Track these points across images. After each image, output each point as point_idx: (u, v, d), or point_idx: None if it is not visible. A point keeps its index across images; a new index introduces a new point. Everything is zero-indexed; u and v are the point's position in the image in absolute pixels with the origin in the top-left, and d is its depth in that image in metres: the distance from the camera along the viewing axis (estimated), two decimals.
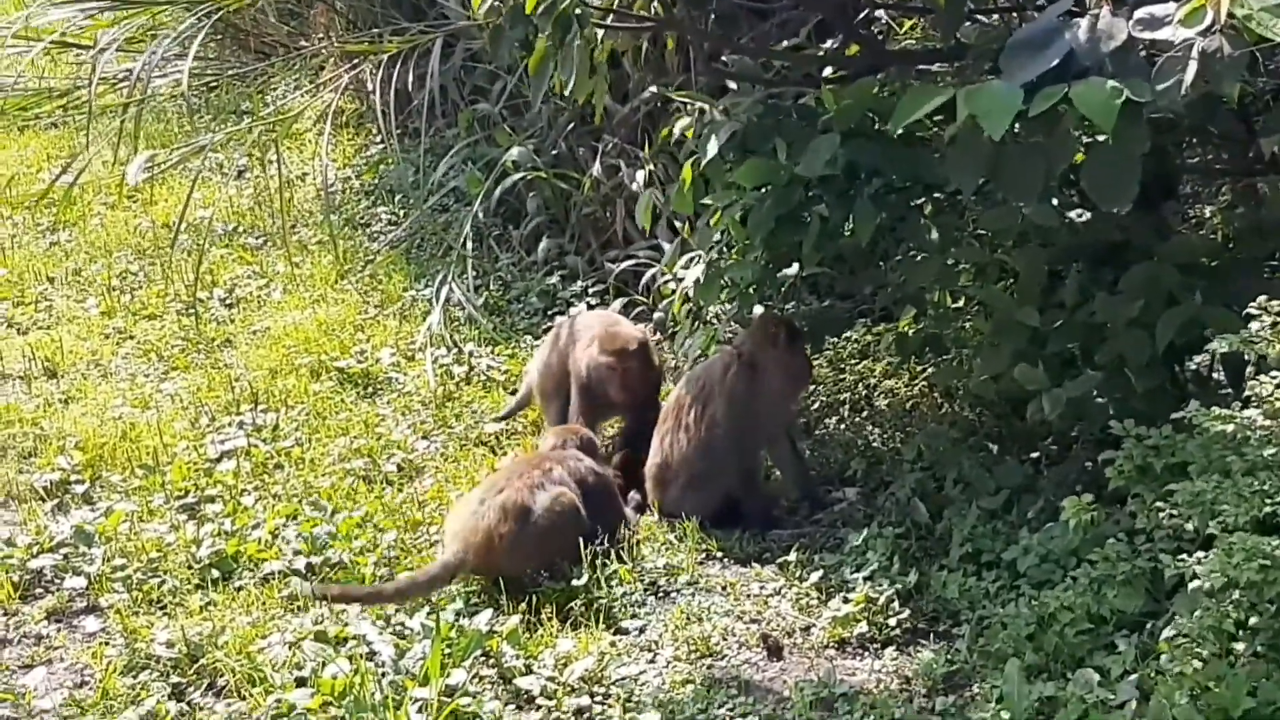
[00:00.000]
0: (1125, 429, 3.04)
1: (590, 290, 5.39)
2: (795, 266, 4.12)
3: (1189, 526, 2.76)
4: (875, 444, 4.26)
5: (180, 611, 3.60)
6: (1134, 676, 2.84)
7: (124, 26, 7.27)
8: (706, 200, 4.03)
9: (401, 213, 6.42)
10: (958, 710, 3.03)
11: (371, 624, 3.43)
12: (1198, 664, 2.61)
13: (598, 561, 3.66)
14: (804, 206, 3.75)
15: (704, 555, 3.83)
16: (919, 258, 3.89)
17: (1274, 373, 2.79)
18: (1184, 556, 2.68)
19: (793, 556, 3.70)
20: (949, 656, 3.20)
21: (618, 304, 5.12)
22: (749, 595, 3.61)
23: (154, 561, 3.82)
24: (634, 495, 4.15)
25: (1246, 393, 2.84)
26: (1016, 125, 2.80)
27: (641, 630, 3.48)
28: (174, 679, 3.31)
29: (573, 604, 3.54)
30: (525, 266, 5.71)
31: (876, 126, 3.70)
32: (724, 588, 3.65)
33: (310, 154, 7.18)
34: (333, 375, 5.01)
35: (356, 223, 6.48)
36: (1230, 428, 2.75)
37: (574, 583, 3.59)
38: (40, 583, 3.82)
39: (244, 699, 3.22)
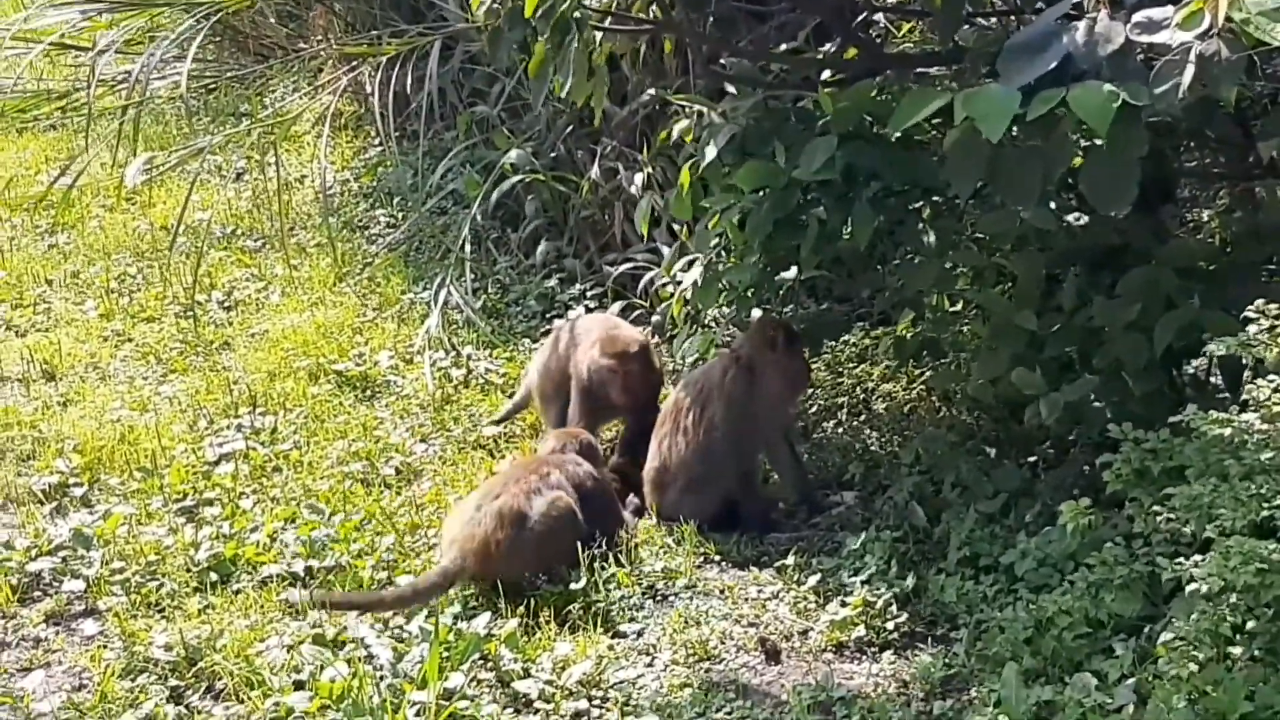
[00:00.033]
0: (1123, 433, 3.05)
1: (588, 293, 5.39)
2: (793, 270, 4.12)
3: (1187, 530, 2.77)
4: (873, 447, 4.26)
5: (179, 614, 3.60)
6: (1131, 680, 2.84)
7: (122, 28, 7.27)
8: (705, 203, 4.03)
9: (400, 215, 6.42)
10: (955, 714, 3.03)
11: (369, 627, 3.43)
12: (1195, 668, 2.61)
13: (596, 565, 3.66)
14: (802, 210, 3.76)
15: (702, 559, 3.83)
16: (917, 261, 3.89)
17: (1271, 376, 2.79)
18: (1181, 560, 2.68)
19: (791, 560, 3.70)
20: (947, 660, 3.21)
21: (616, 307, 5.12)
22: (747, 599, 3.60)
23: (152, 564, 3.82)
24: (632, 499, 4.15)
25: (1244, 396, 2.84)
26: (1014, 129, 2.81)
27: (639, 634, 3.48)
28: (172, 682, 3.31)
29: (571, 607, 3.54)
30: (523, 269, 5.71)
31: (875, 129, 3.71)
32: (722, 591, 3.65)
33: (309, 156, 7.18)
34: (331, 378, 5.02)
35: (355, 225, 6.48)
36: (1228, 431, 2.75)
37: (572, 586, 3.59)
38: (39, 585, 3.82)
39: (242, 702, 3.22)
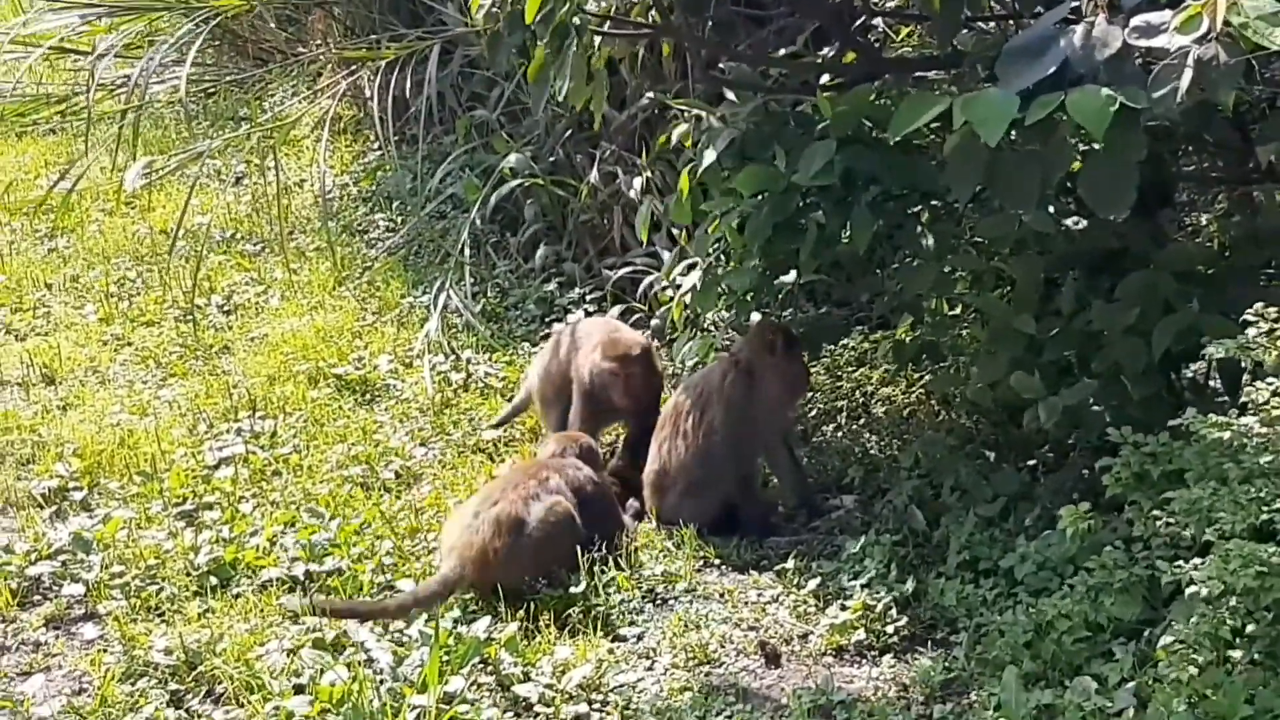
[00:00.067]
0: (1122, 436, 3.05)
1: (588, 297, 5.40)
2: (793, 274, 4.12)
3: (1186, 534, 2.77)
4: (872, 451, 4.26)
5: (178, 619, 3.60)
6: (1131, 684, 2.84)
7: (122, 33, 7.26)
8: (704, 207, 4.04)
9: (399, 219, 6.42)
10: (955, 718, 3.04)
11: (369, 631, 3.43)
12: (1195, 671, 2.61)
13: (595, 569, 3.66)
14: (801, 214, 3.76)
15: (702, 562, 3.83)
16: (916, 265, 3.89)
17: (1270, 379, 2.80)
18: (1181, 564, 2.68)
19: (790, 564, 3.70)
20: (947, 664, 3.21)
21: (615, 311, 5.12)
22: (747, 602, 3.61)
23: (152, 569, 3.82)
24: (632, 503, 4.16)
25: (1243, 399, 2.84)
26: (1013, 133, 2.81)
27: (639, 637, 3.48)
28: (172, 686, 3.31)
29: (571, 611, 3.54)
30: (523, 273, 5.72)
31: (873, 134, 3.71)
32: (722, 595, 3.65)
33: (308, 160, 7.18)
34: (331, 382, 5.02)
35: (354, 229, 6.48)
36: (1227, 435, 2.76)
37: (572, 590, 3.59)
38: (38, 590, 3.82)
39: (242, 706, 3.22)
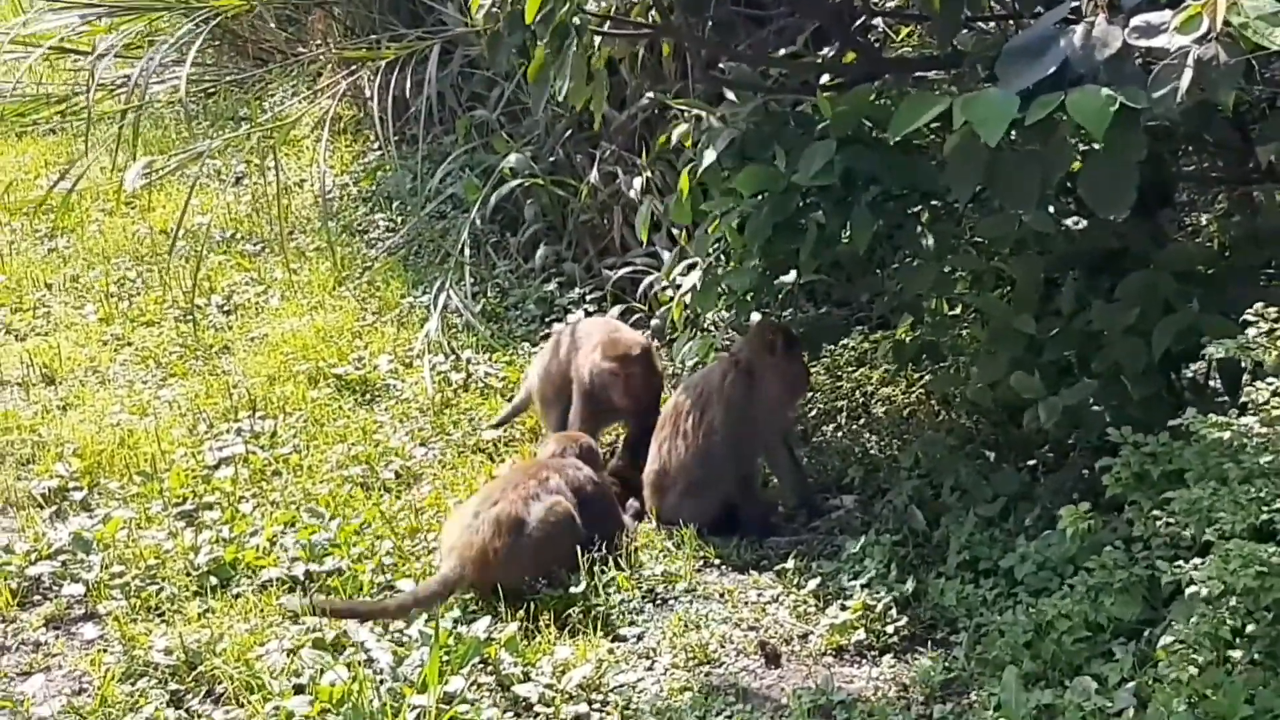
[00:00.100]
0: (1122, 436, 3.05)
1: (588, 297, 5.40)
2: (793, 274, 4.12)
3: (1186, 534, 2.77)
4: (873, 451, 4.26)
5: (178, 619, 3.60)
6: (1131, 684, 2.84)
7: (122, 33, 7.26)
8: (704, 207, 4.04)
9: (399, 219, 6.42)
10: (955, 718, 3.04)
11: (369, 631, 3.43)
12: (1195, 671, 2.61)
13: (595, 569, 3.66)
14: (801, 214, 3.76)
15: (702, 562, 3.83)
16: (916, 265, 3.89)
17: (1270, 379, 2.80)
18: (1181, 564, 2.68)
19: (790, 564, 3.71)
20: (947, 664, 3.21)
21: (615, 311, 5.12)
22: (747, 602, 3.61)
23: (152, 568, 3.82)
24: (632, 503, 4.16)
25: (1243, 399, 2.84)
26: (1013, 133, 2.81)
27: (639, 637, 3.48)
28: (172, 686, 3.31)
29: (571, 611, 3.54)
30: (523, 273, 5.72)
31: (873, 134, 3.71)
32: (722, 595, 3.65)
33: (308, 160, 7.18)
34: (331, 382, 5.02)
35: (354, 229, 6.48)
36: (1227, 435, 2.76)
37: (572, 590, 3.59)
38: (38, 590, 3.82)
39: (242, 706, 3.22)
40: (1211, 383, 3.66)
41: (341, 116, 7.25)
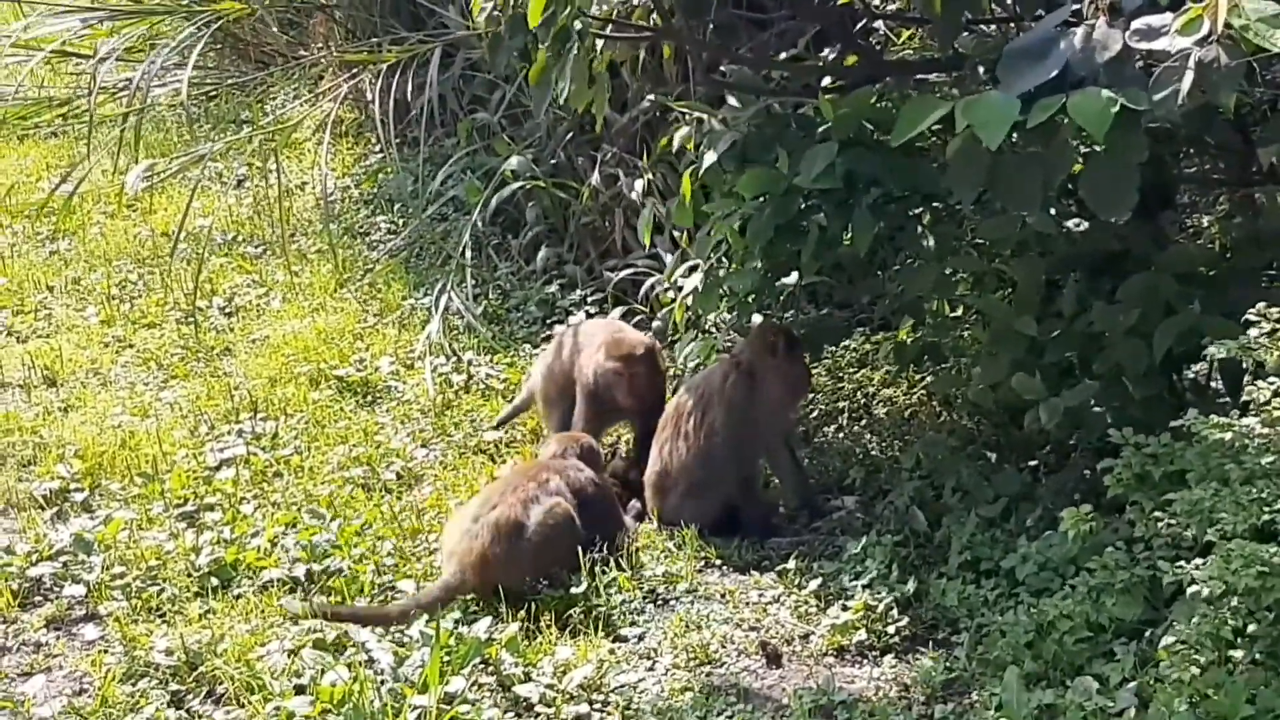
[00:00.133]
0: (1124, 437, 3.05)
1: (589, 299, 5.40)
2: (794, 275, 4.13)
3: (1187, 534, 2.77)
4: (874, 452, 4.26)
5: (179, 619, 3.60)
6: (1133, 684, 2.84)
7: (123, 36, 7.29)
8: (706, 209, 4.04)
9: (400, 222, 6.43)
10: (957, 718, 3.04)
11: (370, 632, 3.43)
12: (1196, 671, 2.61)
13: (597, 569, 3.66)
14: (803, 216, 3.77)
15: (703, 563, 3.83)
16: (917, 267, 3.90)
17: (1271, 380, 2.80)
18: (1182, 564, 2.68)
19: (791, 564, 3.71)
20: (948, 664, 3.21)
21: (617, 312, 5.13)
22: (748, 603, 3.61)
23: (153, 569, 3.82)
24: (633, 503, 4.16)
25: (1244, 400, 2.85)
26: (1014, 135, 2.82)
27: (640, 638, 3.48)
28: (173, 687, 3.31)
29: (572, 612, 3.54)
30: (524, 275, 5.72)
31: (875, 136, 3.72)
32: (723, 595, 3.65)
33: (309, 163, 7.19)
34: (332, 383, 5.02)
35: (355, 231, 6.49)
36: (1228, 435, 2.76)
37: (573, 590, 3.59)
38: (39, 590, 3.82)
39: (243, 707, 3.22)
40: (1213, 384, 3.67)
41: (343, 119, 7.26)
